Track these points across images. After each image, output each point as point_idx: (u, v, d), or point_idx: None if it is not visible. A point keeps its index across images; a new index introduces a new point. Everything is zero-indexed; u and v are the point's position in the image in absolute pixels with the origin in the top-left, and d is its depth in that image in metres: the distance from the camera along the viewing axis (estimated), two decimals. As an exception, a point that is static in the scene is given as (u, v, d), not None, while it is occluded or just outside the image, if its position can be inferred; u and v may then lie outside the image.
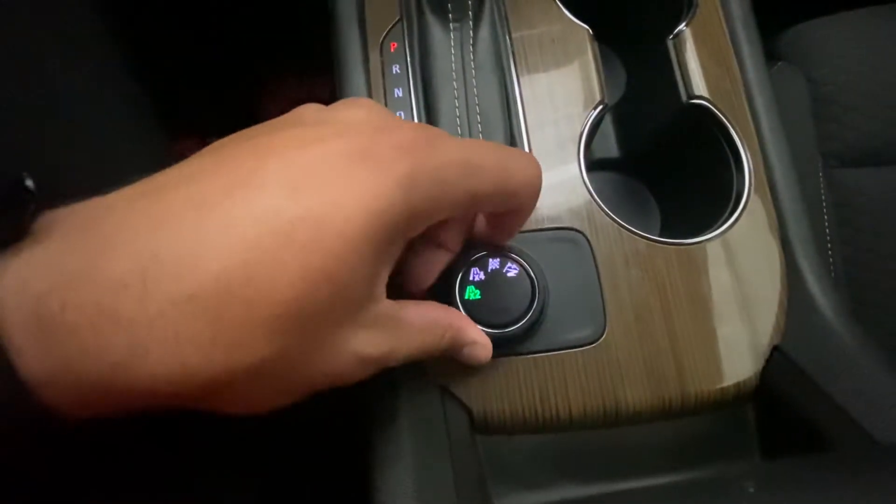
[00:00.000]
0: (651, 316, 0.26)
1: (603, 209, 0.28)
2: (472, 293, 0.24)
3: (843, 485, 0.12)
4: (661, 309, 0.26)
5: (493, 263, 0.25)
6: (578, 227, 0.27)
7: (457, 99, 0.29)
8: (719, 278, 0.27)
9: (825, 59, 0.43)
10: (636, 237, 0.27)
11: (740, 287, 0.27)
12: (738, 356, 0.26)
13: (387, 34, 0.31)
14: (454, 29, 0.30)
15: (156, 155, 0.26)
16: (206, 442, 0.24)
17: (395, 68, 0.30)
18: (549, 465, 0.26)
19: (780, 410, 0.25)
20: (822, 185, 0.41)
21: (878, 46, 0.43)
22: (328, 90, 0.84)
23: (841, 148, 0.42)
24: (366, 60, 0.31)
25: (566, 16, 0.31)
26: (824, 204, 0.41)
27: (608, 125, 0.39)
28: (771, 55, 0.44)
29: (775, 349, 0.26)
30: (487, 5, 0.30)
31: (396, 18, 0.31)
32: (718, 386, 0.26)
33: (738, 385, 0.26)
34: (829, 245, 0.40)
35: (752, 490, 0.12)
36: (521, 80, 0.30)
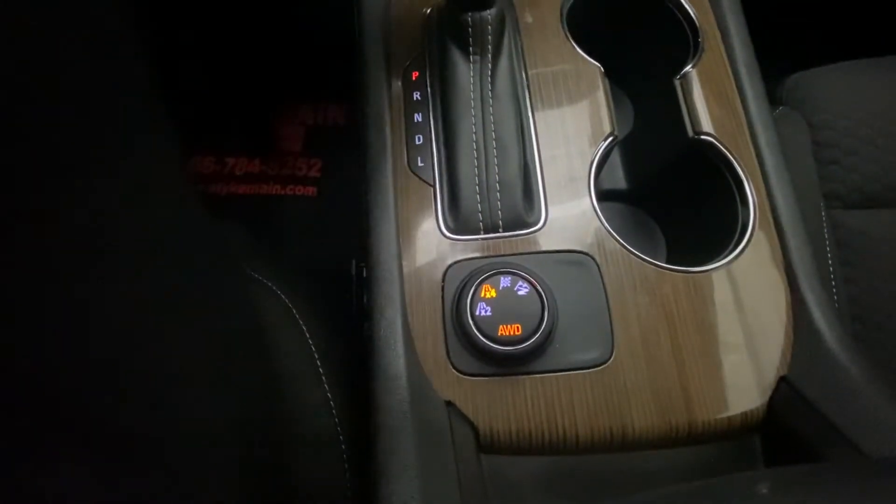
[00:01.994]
0: (658, 341, 0.26)
1: (612, 235, 0.29)
2: (483, 309, 0.25)
3: (856, 489, 0.12)
4: (668, 335, 0.27)
5: (505, 281, 0.25)
6: (588, 252, 0.28)
7: (474, 125, 0.30)
8: (726, 308, 0.27)
9: (825, 106, 0.45)
10: (644, 263, 0.28)
11: (746, 317, 0.27)
12: (745, 386, 0.26)
13: (410, 63, 0.33)
14: (474, 62, 0.32)
15: (172, 169, 0.26)
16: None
17: (416, 95, 0.32)
18: (553, 488, 0.25)
19: (788, 442, 0.25)
20: (824, 225, 0.42)
21: (875, 95, 0.45)
22: (343, 115, 0.87)
23: (842, 190, 0.43)
24: (389, 86, 0.32)
25: (579, 54, 0.33)
26: (827, 243, 0.41)
27: (616, 157, 0.40)
28: (772, 100, 0.46)
29: (782, 380, 0.26)
30: (506, 41, 0.32)
31: (420, 50, 0.33)
32: (725, 415, 0.26)
33: (745, 415, 0.26)
34: (833, 282, 0.40)
35: (765, 492, 0.12)
36: (535, 112, 0.32)
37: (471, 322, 0.25)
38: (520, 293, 0.25)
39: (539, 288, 0.25)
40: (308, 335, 0.34)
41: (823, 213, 0.42)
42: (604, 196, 0.39)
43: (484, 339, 0.25)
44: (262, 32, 0.74)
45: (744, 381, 0.26)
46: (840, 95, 0.45)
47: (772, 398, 0.26)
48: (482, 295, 0.25)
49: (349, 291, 0.41)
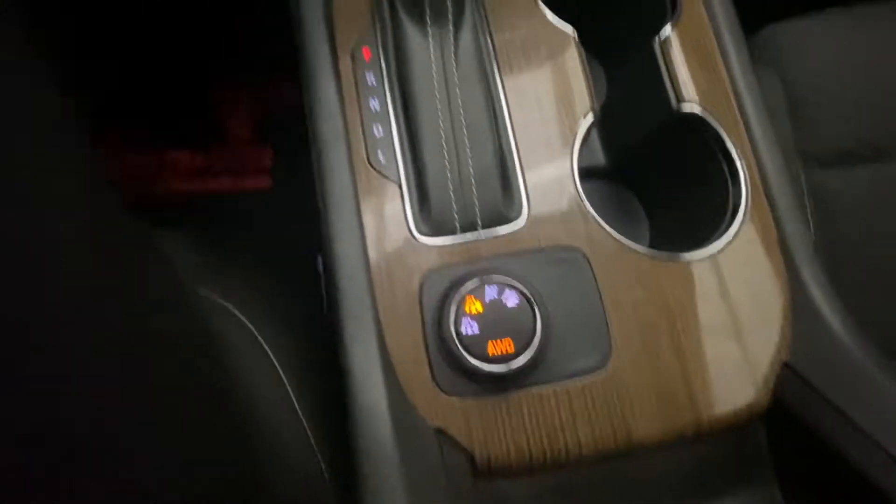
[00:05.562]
0: (657, 337, 0.25)
1: (601, 224, 0.26)
2: (469, 326, 0.22)
3: None
4: (667, 329, 0.25)
5: (491, 292, 0.23)
6: (577, 246, 0.26)
7: (440, 111, 0.27)
8: (724, 294, 0.26)
9: (798, 61, 0.43)
10: (637, 253, 0.26)
11: (745, 303, 0.26)
12: (749, 376, 0.25)
13: (359, 39, 0.28)
14: (433, 35, 0.28)
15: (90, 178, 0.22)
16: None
17: (370, 78, 0.28)
18: None
19: (793, 430, 0.24)
20: (804, 188, 0.41)
21: (847, 48, 0.43)
22: (293, 94, 0.80)
23: (818, 149, 0.42)
24: (336, 68, 0.28)
25: (550, 18, 0.30)
26: (808, 208, 0.41)
27: (593, 131, 0.37)
28: (745, 57, 0.44)
29: (785, 366, 0.25)
30: (468, 9, 0.28)
31: (369, 21, 0.29)
32: (731, 409, 0.24)
33: (750, 406, 0.25)
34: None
35: None
36: (506, 90, 0.28)
37: (456, 342, 0.22)
38: (508, 304, 0.23)
39: (529, 296, 0.23)
40: (275, 361, 0.30)
41: (803, 176, 0.41)
42: (581, 174, 0.36)
43: (473, 360, 0.22)
44: (188, 9, 0.65)
45: (747, 371, 0.25)
46: (813, 50, 0.43)
47: (776, 386, 0.25)
48: (467, 310, 0.22)
49: (317, 292, 0.38)
